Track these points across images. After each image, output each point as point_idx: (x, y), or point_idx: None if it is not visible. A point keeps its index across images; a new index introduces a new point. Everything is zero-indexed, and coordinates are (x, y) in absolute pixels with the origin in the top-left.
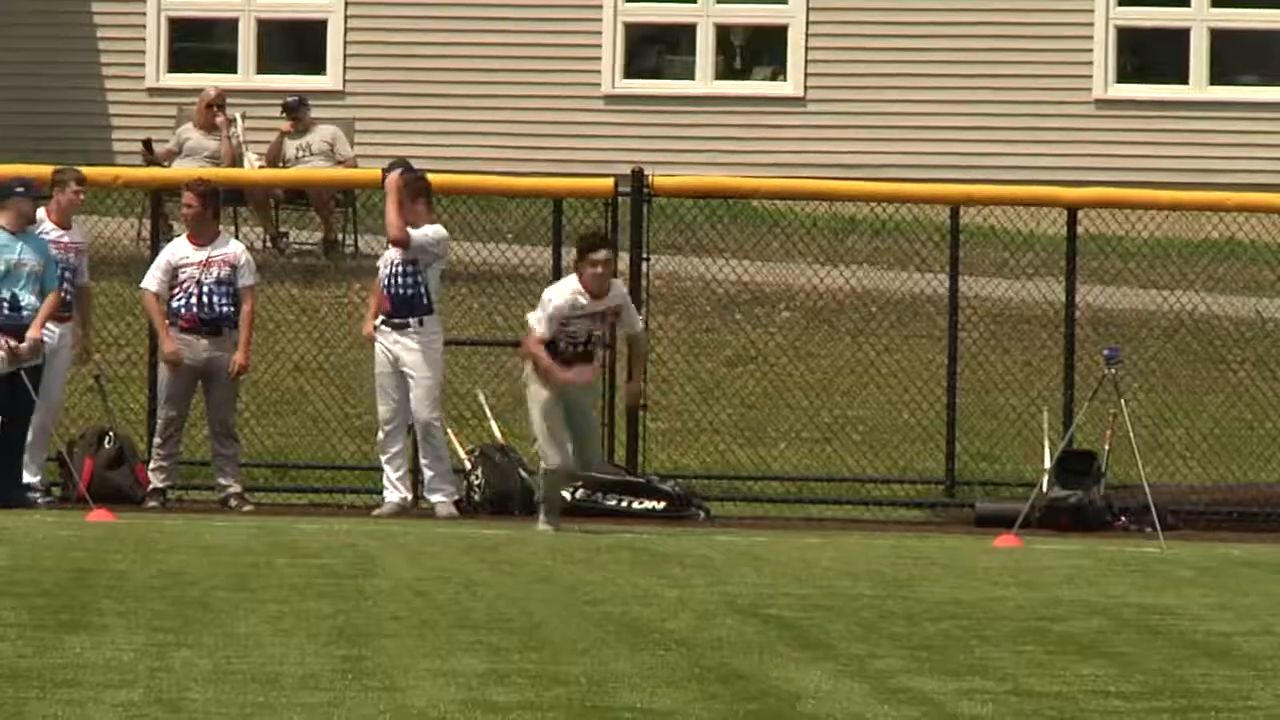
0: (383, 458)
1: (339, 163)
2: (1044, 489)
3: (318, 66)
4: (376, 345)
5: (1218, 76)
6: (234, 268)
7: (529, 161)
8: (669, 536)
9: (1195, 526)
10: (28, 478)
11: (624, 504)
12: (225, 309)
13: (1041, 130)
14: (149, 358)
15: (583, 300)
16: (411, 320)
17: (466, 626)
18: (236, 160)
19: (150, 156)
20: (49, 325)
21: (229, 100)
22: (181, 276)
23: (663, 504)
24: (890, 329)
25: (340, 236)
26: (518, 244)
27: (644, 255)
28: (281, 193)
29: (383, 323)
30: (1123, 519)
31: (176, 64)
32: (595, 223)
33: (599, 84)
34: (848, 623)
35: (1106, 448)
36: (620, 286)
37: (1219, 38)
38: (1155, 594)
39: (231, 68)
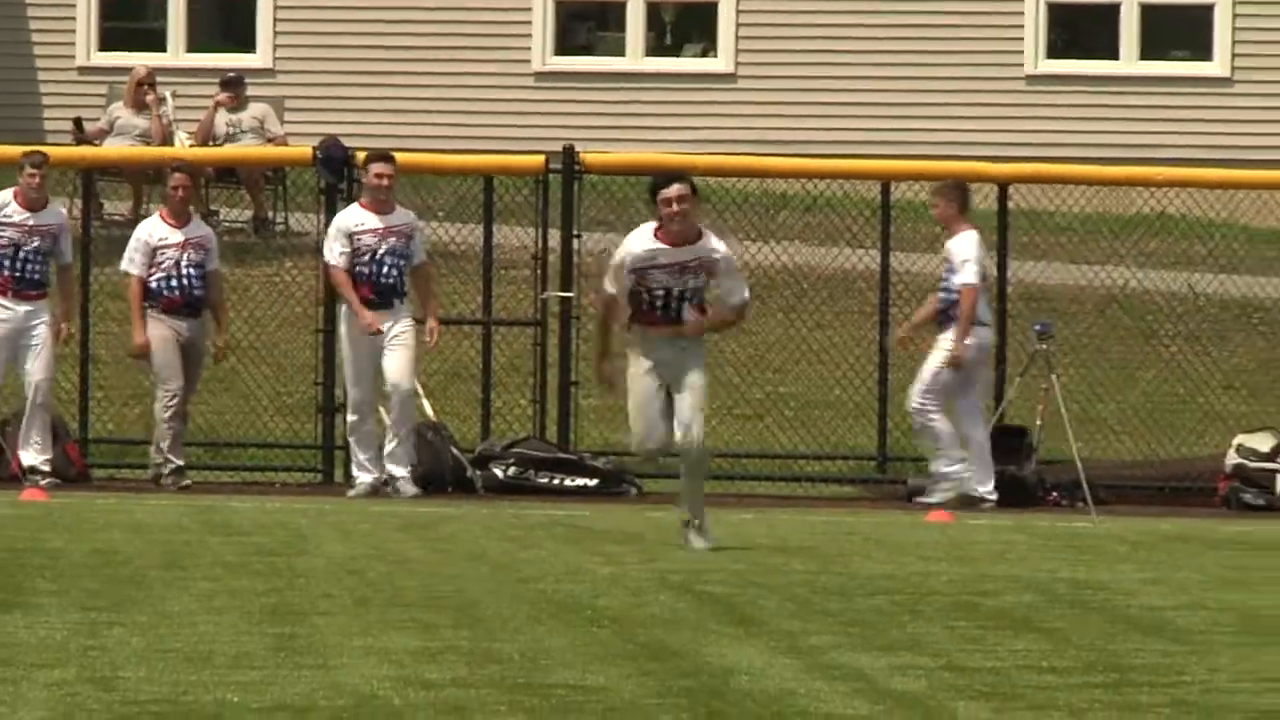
0: (354, 439)
1: (269, 140)
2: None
3: (248, 45)
4: (356, 329)
5: (1148, 51)
6: (207, 250)
7: (459, 139)
8: (602, 513)
9: (1127, 501)
10: (33, 458)
11: (556, 481)
12: (200, 291)
13: (972, 106)
14: (79, 336)
15: (659, 248)
16: (395, 303)
17: (399, 604)
18: (167, 139)
19: (81, 135)
20: (11, 306)
21: (159, 79)
22: (161, 258)
23: (595, 481)
24: (822, 305)
25: (270, 214)
26: (449, 222)
27: (575, 233)
28: (212, 171)
29: (361, 303)
30: (1054, 494)
31: (107, 42)
32: (527, 199)
33: (529, 61)
34: (780, 599)
35: (1038, 423)
36: (717, 240)
37: (1149, 13)
38: (1087, 569)
39: (161, 46)
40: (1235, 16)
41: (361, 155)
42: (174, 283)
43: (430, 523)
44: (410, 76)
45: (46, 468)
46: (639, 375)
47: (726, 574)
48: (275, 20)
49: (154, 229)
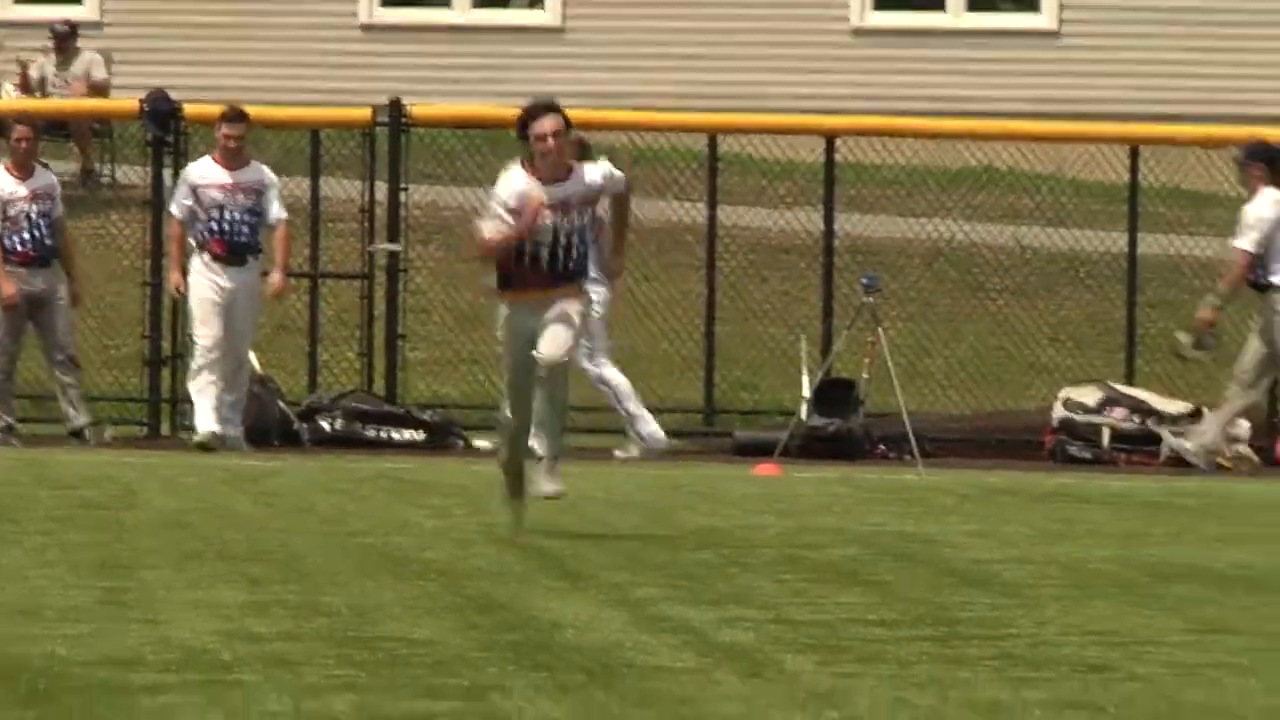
0: (194, 388)
1: (93, 86)
2: (803, 417)
3: None
4: (204, 278)
5: (975, 4)
6: (53, 199)
7: (286, 92)
8: (428, 466)
9: (954, 454)
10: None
11: (383, 434)
12: (51, 241)
13: (799, 59)
14: None
15: (536, 185)
16: (248, 259)
17: (226, 558)
18: None
19: None
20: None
21: None
22: (12, 211)
23: (422, 434)
24: (649, 258)
25: (97, 167)
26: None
27: (402, 186)
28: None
29: (212, 259)
30: (882, 447)
31: None
32: (354, 153)
33: (355, 13)
34: (608, 552)
35: (865, 376)
36: (590, 167)
37: None
38: (915, 522)
39: None
40: None
41: (188, 109)
42: (26, 235)
43: (257, 476)
44: (238, 29)
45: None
46: (514, 348)
47: (553, 527)
48: None
49: (2, 184)
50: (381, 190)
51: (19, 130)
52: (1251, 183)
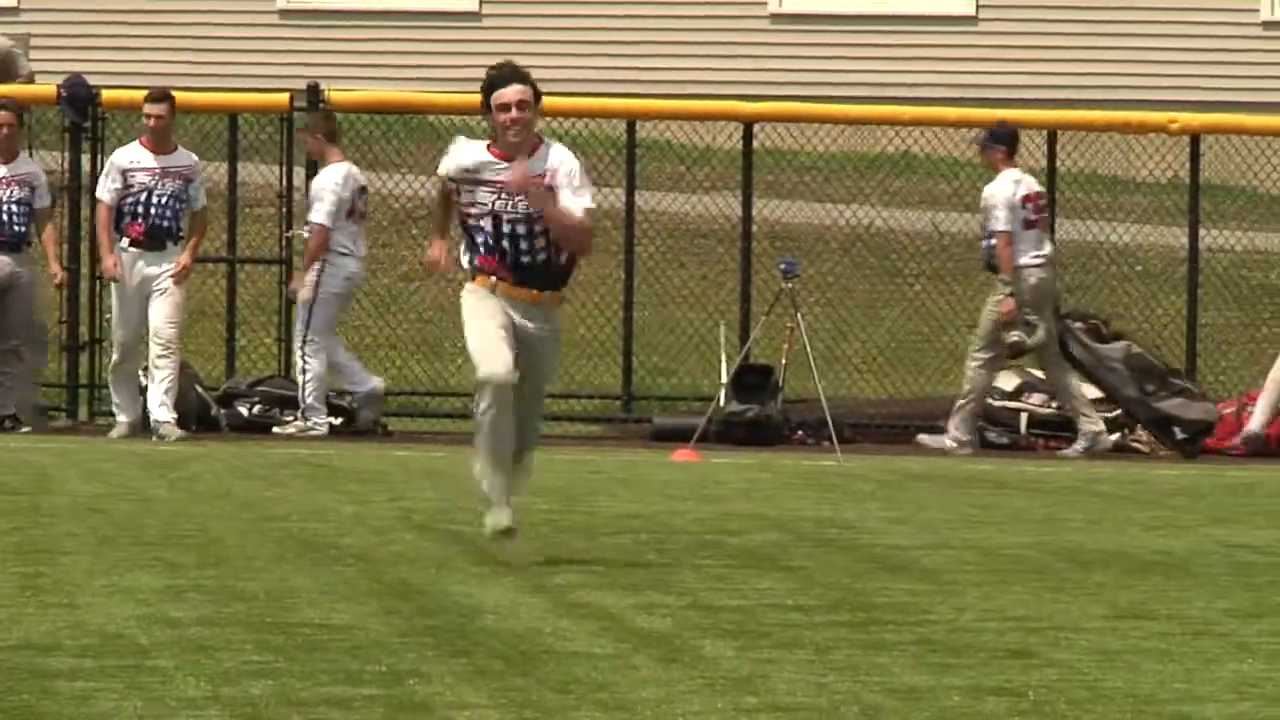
0: (114, 379)
1: (14, 78)
2: (721, 403)
3: None
4: (122, 270)
5: None
6: (33, 188)
7: (205, 77)
8: (346, 452)
9: (872, 440)
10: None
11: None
12: (23, 228)
13: (717, 45)
14: None
15: (489, 160)
16: (168, 244)
17: (143, 543)
18: None
19: None
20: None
21: None
22: None
23: (339, 419)
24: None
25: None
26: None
27: (317, 170)
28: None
29: (131, 244)
30: (800, 432)
31: None
32: (272, 138)
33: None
34: (525, 538)
35: (783, 361)
36: (559, 149)
37: None
38: (833, 508)
39: None
40: None
41: (106, 94)
42: (1, 220)
43: (174, 461)
44: (156, 15)
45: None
46: (479, 305)
47: (470, 513)
48: None
49: None
50: (299, 176)
51: (1, 115)
52: (993, 164)
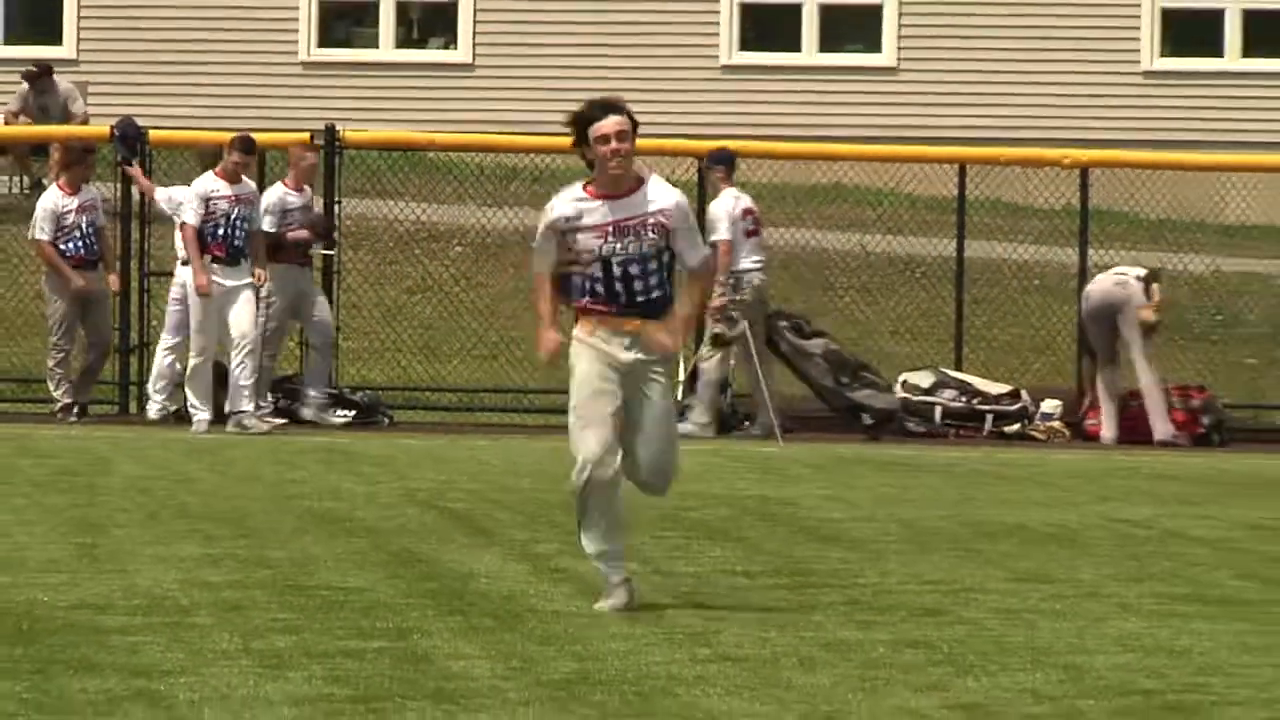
0: (195, 381)
1: (73, 118)
2: (679, 398)
3: (55, 37)
4: (211, 284)
5: (825, 44)
6: (96, 210)
7: (238, 119)
8: (359, 440)
9: (810, 429)
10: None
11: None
12: (96, 247)
13: (675, 91)
14: None
15: (588, 205)
16: (241, 261)
17: (185, 518)
18: None
19: None
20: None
21: None
22: (66, 223)
23: (354, 412)
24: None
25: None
26: None
27: (336, 199)
28: (28, 147)
29: (213, 261)
30: (747, 423)
31: None
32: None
33: (296, 52)
34: (512, 513)
35: (732, 363)
36: (662, 187)
37: (827, 11)
38: (775, 487)
39: None
40: (901, 14)
41: (153, 133)
42: (78, 241)
43: (212, 448)
44: (197, 65)
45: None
46: (584, 368)
47: (465, 492)
48: (79, 15)
49: (55, 197)
50: (319, 203)
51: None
52: (715, 184)
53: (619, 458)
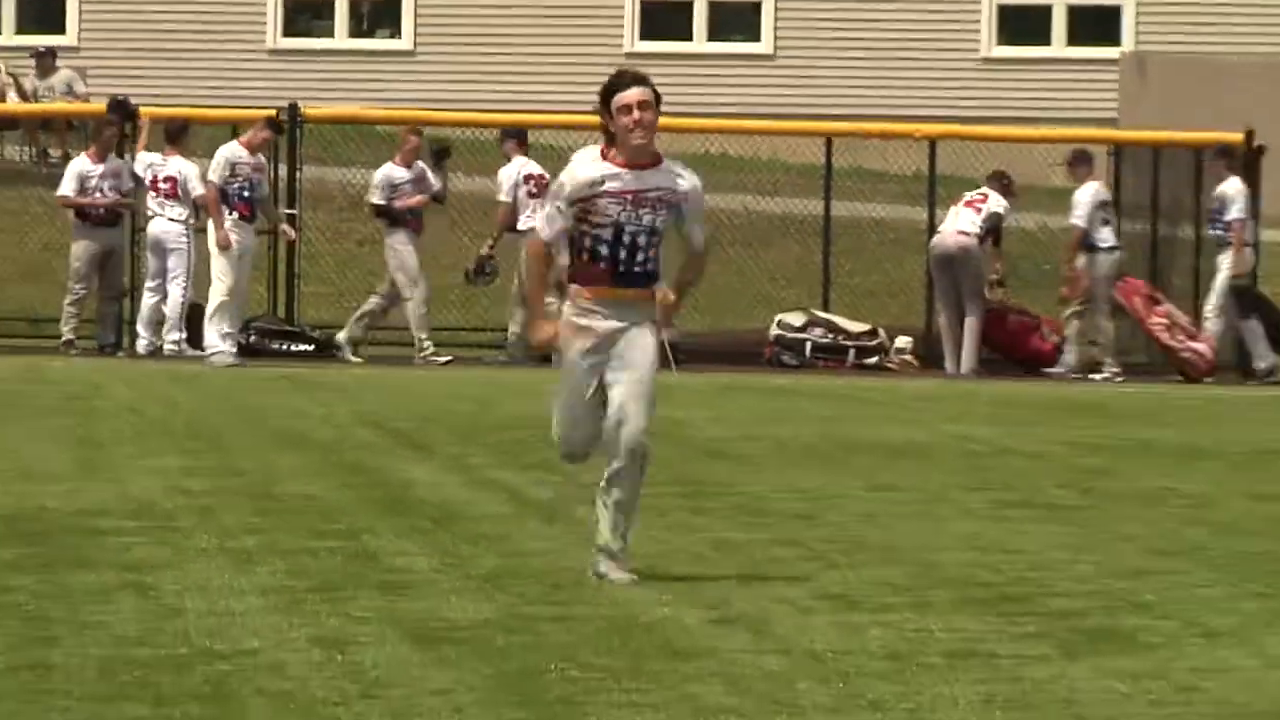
0: (224, 319)
1: (76, 97)
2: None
3: (59, 27)
4: (233, 234)
5: (713, 35)
6: (119, 177)
7: (215, 98)
8: (317, 371)
9: (700, 361)
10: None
11: (285, 346)
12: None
13: (585, 73)
14: None
15: (611, 171)
16: (259, 217)
17: (168, 435)
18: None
19: None
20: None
21: None
22: (89, 185)
23: (312, 347)
24: (476, 222)
25: (71, 154)
26: (206, 157)
27: (298, 166)
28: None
29: (240, 219)
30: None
31: None
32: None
33: (264, 41)
34: (449, 431)
35: None
36: (682, 168)
37: (715, 7)
38: (670, 409)
39: None
40: (777, 9)
41: (143, 110)
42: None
43: (191, 377)
44: (181, 52)
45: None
46: (571, 363)
47: (409, 413)
48: (81, 8)
49: (84, 164)
50: (283, 170)
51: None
52: (508, 152)
53: (592, 445)
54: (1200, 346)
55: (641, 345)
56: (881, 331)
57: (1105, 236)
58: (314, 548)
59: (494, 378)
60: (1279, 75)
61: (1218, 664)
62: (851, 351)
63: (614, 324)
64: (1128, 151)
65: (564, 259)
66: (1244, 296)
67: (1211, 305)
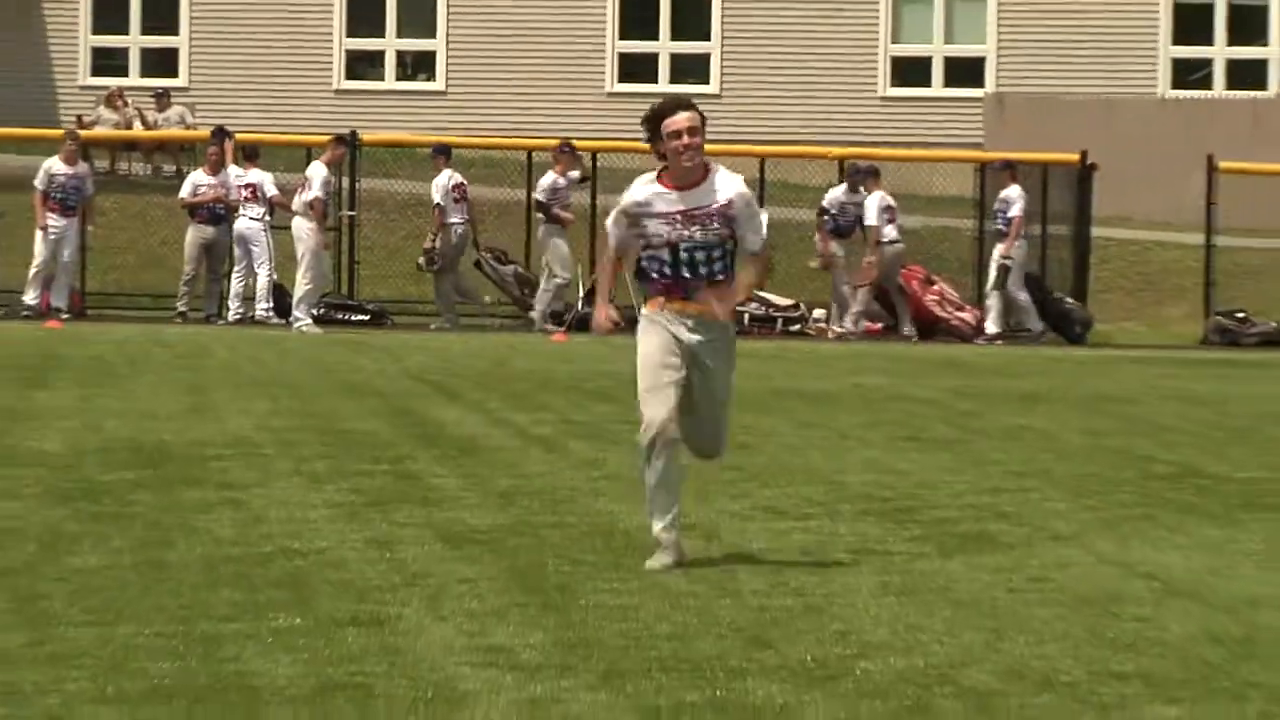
0: (311, 299)
1: (188, 127)
2: (579, 308)
3: (175, 72)
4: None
5: (675, 78)
6: (228, 187)
7: (292, 128)
8: (371, 335)
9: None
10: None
11: (345, 316)
12: (222, 212)
13: (568, 109)
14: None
15: (658, 192)
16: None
17: (258, 384)
18: (129, 126)
19: (80, 125)
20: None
21: (125, 91)
22: (200, 193)
23: (368, 317)
24: (492, 222)
25: (184, 170)
26: (290, 172)
27: (357, 179)
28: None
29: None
30: (621, 325)
31: (96, 69)
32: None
33: (331, 83)
34: (468, 381)
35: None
36: (727, 176)
37: (676, 58)
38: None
39: (124, 72)
40: (723, 59)
41: (237, 136)
42: (209, 206)
43: (275, 340)
44: (264, 92)
45: (63, 305)
46: (650, 342)
47: (440, 369)
48: (190, 56)
49: (198, 177)
50: (345, 181)
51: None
52: (438, 166)
53: (677, 425)
54: (966, 315)
55: (724, 379)
56: (803, 305)
57: (889, 233)
58: (369, 470)
59: (503, 341)
60: (1108, 110)
61: (1062, 560)
62: (779, 321)
63: (694, 337)
64: (990, 169)
65: (632, 257)
66: (1027, 277)
67: (990, 284)
